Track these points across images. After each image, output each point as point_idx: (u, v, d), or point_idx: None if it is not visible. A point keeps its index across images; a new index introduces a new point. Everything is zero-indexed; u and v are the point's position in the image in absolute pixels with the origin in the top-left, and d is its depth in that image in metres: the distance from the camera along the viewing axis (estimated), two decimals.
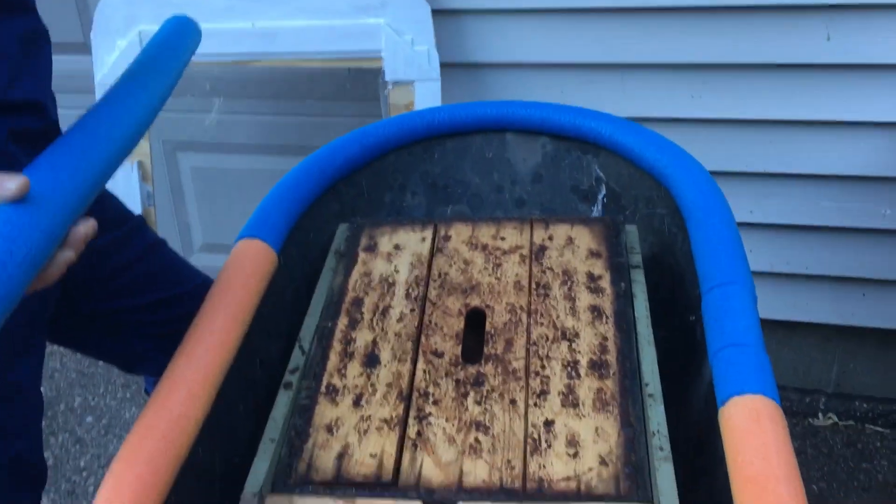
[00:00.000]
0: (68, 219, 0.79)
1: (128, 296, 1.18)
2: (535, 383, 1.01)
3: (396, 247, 1.25)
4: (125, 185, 2.03)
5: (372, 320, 1.13)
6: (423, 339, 1.09)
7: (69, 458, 1.95)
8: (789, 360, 1.98)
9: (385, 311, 1.14)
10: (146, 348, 1.25)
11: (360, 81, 2.06)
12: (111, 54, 1.99)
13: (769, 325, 1.94)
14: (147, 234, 1.25)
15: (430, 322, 1.12)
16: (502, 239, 1.24)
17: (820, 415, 1.95)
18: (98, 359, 1.34)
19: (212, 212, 2.39)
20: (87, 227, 0.82)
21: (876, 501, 1.73)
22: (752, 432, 0.81)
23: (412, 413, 0.99)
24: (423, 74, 1.82)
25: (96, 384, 2.22)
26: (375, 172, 1.43)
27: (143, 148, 2.01)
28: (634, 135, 1.31)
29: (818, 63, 1.64)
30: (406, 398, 1.01)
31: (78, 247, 0.81)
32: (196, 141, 2.26)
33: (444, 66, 1.83)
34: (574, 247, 1.21)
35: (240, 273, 1.10)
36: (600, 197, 1.39)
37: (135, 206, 2.07)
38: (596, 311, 1.10)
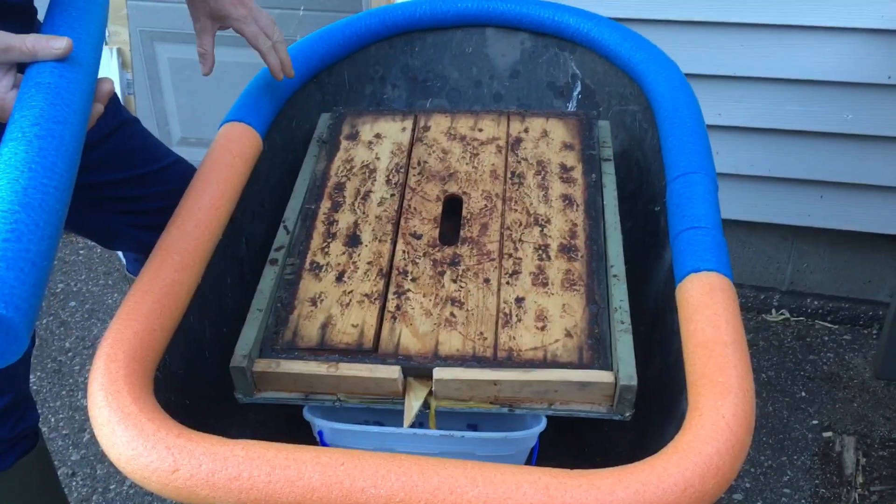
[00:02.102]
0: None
1: (102, 170, 1.21)
2: (508, 264, 1.08)
3: (378, 135, 1.29)
4: (105, 72, 2.02)
5: (353, 203, 1.18)
6: (402, 221, 1.15)
7: (54, 340, 2.01)
8: (748, 258, 2.07)
9: (366, 196, 1.19)
10: (122, 223, 1.29)
11: None
12: None
13: (731, 225, 2.02)
14: (120, 111, 1.26)
15: (409, 206, 1.17)
16: (480, 130, 1.29)
17: (773, 311, 2.06)
18: (76, 233, 1.38)
19: (190, 105, 2.40)
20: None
21: (819, 388, 1.86)
22: (705, 304, 0.88)
23: (391, 289, 1.06)
24: None
25: (78, 271, 2.26)
26: (357, 64, 1.45)
27: (121, 35, 1.99)
28: (611, 32, 1.35)
29: None
30: (386, 275, 1.07)
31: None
32: (174, 31, 2.24)
33: None
34: (548, 139, 1.26)
35: (226, 154, 1.14)
36: (575, 93, 1.43)
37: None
38: (567, 200, 1.16)
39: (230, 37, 2.25)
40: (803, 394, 1.87)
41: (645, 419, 1.02)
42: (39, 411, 1.80)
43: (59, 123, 0.77)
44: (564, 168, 1.21)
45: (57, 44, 0.82)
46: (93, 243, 2.35)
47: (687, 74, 1.30)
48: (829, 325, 2.05)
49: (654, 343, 1.08)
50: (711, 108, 1.82)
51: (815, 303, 2.06)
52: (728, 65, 1.78)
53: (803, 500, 1.63)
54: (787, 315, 2.07)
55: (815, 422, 1.79)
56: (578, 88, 1.43)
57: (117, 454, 0.77)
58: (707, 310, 0.87)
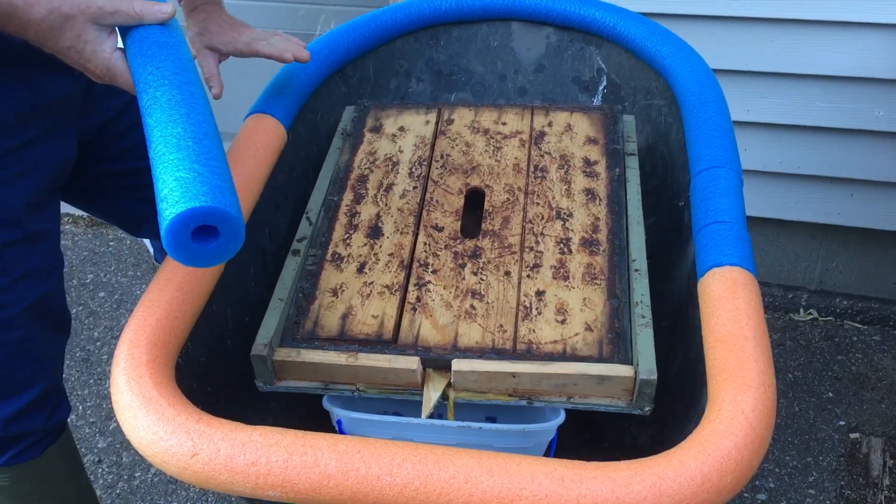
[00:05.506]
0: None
1: (131, 158, 1.23)
2: (529, 257, 1.07)
3: (401, 128, 1.29)
4: None
5: (376, 196, 1.18)
6: (424, 214, 1.15)
7: (83, 329, 2.03)
8: (776, 256, 2.05)
9: (389, 188, 1.19)
10: (147, 210, 1.31)
11: None
12: None
13: (759, 223, 1.99)
14: None
15: (431, 199, 1.17)
16: (503, 124, 1.29)
17: (801, 310, 2.03)
18: (105, 219, 1.41)
19: (212, 97, 2.41)
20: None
21: (847, 389, 1.83)
22: (727, 298, 0.87)
23: (412, 280, 1.06)
24: None
25: (107, 262, 2.29)
26: (382, 58, 1.46)
27: None
28: (638, 26, 1.34)
29: None
30: (407, 267, 1.08)
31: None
32: None
33: None
34: (572, 133, 1.26)
35: (251, 146, 1.15)
36: (601, 88, 1.43)
37: None
38: (590, 194, 1.15)
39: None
40: (830, 394, 1.84)
41: (666, 414, 1.01)
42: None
43: (190, 73, 0.86)
44: (588, 162, 1.21)
45: (163, 8, 0.88)
46: (122, 235, 2.38)
47: (714, 70, 1.29)
48: (859, 326, 2.01)
49: (677, 339, 1.07)
50: (739, 104, 1.80)
51: (844, 303, 2.03)
52: (756, 60, 1.76)
53: (828, 502, 1.60)
54: (816, 315, 2.05)
55: (841, 423, 1.77)
56: (604, 83, 1.42)
57: (138, 438, 0.78)
58: (728, 304, 0.86)
